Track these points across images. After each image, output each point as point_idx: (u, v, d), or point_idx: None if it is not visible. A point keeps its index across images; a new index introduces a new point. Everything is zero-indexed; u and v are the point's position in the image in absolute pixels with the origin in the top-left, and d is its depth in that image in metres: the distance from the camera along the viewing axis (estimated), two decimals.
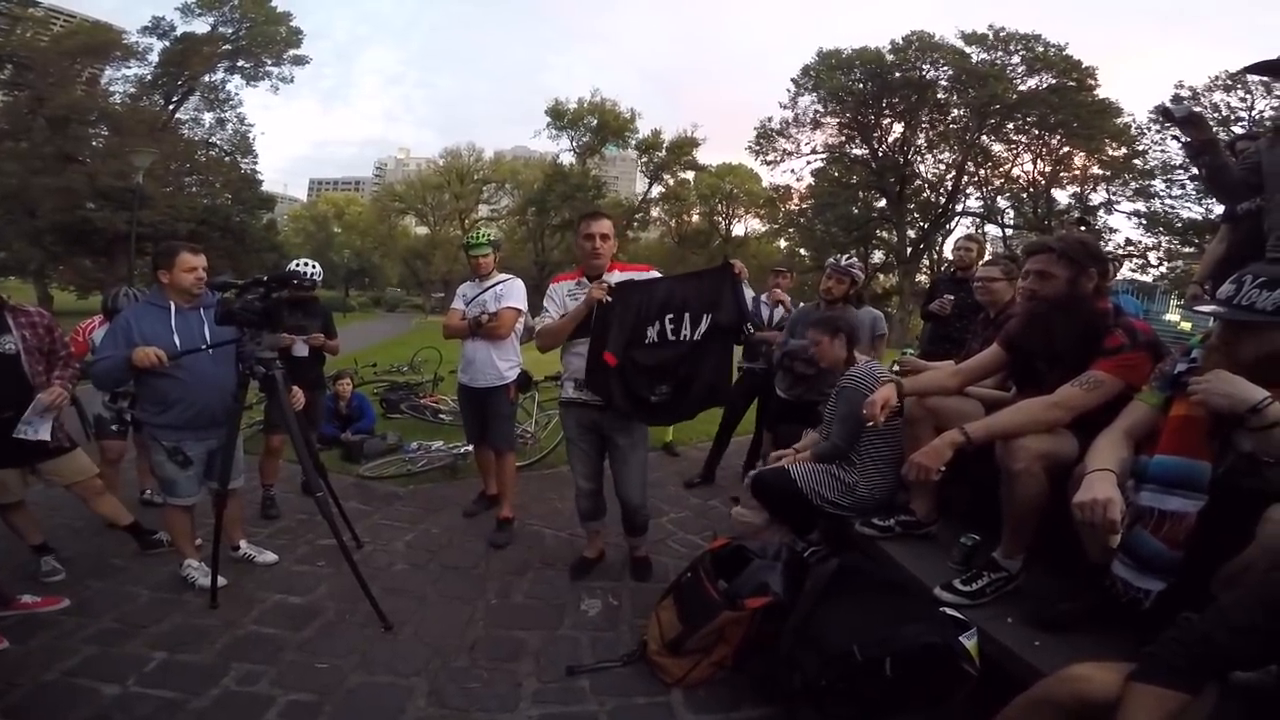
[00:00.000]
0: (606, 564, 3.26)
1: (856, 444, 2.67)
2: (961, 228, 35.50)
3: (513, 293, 3.62)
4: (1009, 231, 34.47)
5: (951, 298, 4.02)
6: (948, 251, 36.23)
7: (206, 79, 31.30)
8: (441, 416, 6.42)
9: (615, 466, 2.94)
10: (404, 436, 5.50)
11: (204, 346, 2.68)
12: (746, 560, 2.34)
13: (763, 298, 4.73)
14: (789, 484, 2.69)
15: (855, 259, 3.99)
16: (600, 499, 3.11)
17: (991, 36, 30.15)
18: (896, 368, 3.27)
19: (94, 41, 28.57)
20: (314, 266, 4.13)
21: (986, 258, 3.98)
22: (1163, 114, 2.35)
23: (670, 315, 2.69)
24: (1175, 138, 22.58)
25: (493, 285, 3.64)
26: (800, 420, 3.44)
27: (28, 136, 24.83)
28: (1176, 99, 2.42)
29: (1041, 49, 29.66)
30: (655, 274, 2.87)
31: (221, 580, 2.76)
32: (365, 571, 2.71)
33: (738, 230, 43.75)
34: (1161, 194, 28.59)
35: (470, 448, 4.22)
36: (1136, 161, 29.25)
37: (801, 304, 4.61)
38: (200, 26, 30.63)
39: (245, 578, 2.96)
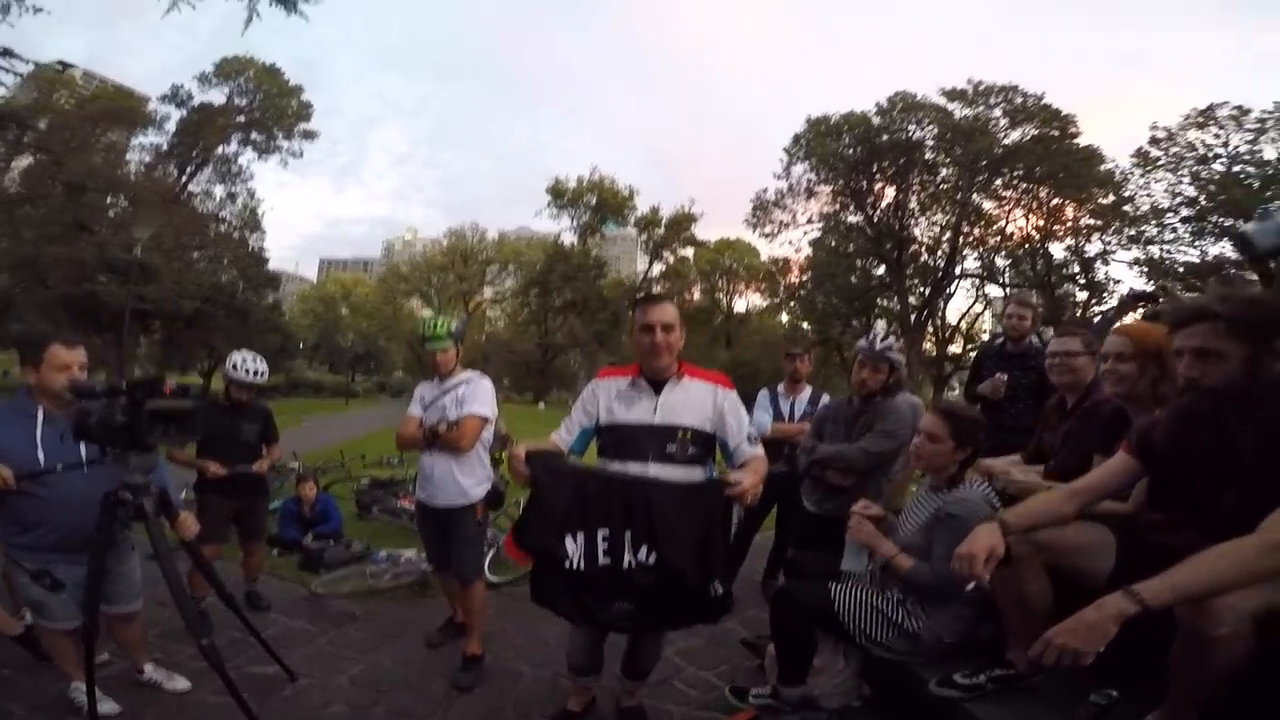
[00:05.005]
0: (596, 716, 2.57)
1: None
2: (963, 291, 35.70)
3: (478, 396, 3.08)
4: (1009, 291, 34.44)
5: (1005, 376, 3.44)
6: (950, 316, 36.38)
7: (220, 150, 31.96)
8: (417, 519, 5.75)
9: None
10: (373, 543, 4.87)
11: (60, 466, 2.19)
12: None
13: (779, 388, 4.14)
14: (825, 608, 2.10)
15: (893, 339, 3.21)
16: (599, 650, 2.43)
17: (971, 91, 31.04)
18: None
19: (116, 107, 29.24)
20: (257, 360, 3.64)
21: (1053, 329, 3.34)
22: (1240, 243, 1.71)
23: (605, 531, 1.88)
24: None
25: (454, 387, 3.12)
26: (831, 542, 2.78)
27: (45, 202, 24.91)
28: (1263, 213, 1.85)
29: (1020, 99, 30.48)
30: (717, 388, 2.20)
31: (115, 707, 2.41)
32: (294, 713, 2.42)
33: (739, 306, 44.25)
34: (1155, 239, 28.50)
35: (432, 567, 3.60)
36: (1126, 208, 29.39)
37: (824, 396, 4.02)
38: (216, 97, 31.67)
39: (148, 706, 2.53)
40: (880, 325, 3.39)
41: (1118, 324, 2.38)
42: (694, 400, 2.16)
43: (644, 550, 1.81)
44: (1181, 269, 27.70)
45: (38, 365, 2.28)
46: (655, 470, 2.04)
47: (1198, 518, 1.54)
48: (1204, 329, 1.56)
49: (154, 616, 2.94)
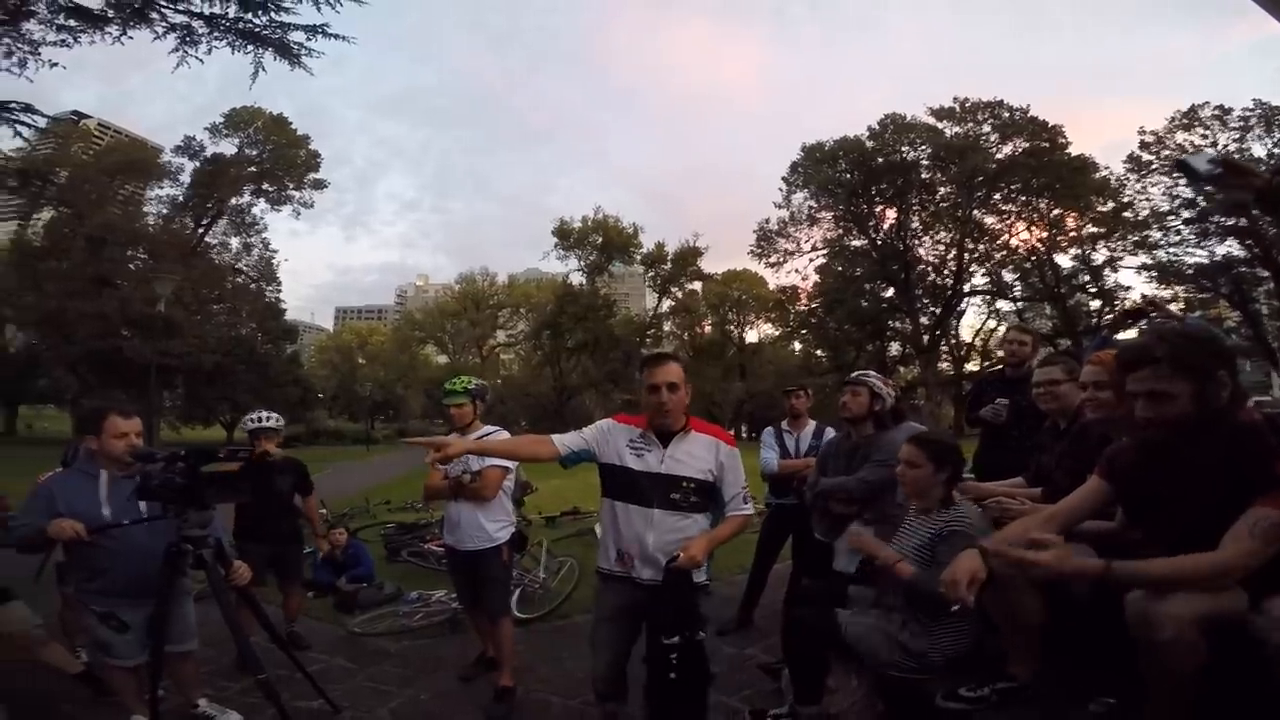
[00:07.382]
0: None
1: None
2: (973, 308, 35.44)
3: None
4: (1021, 305, 34.22)
5: (1006, 401, 3.51)
6: (964, 334, 36.04)
7: (234, 202, 32.46)
8: (445, 562, 5.88)
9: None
10: (404, 585, 5.04)
11: (127, 521, 2.45)
12: None
13: (783, 425, 4.27)
14: (834, 633, 2.22)
15: (872, 370, 3.43)
16: (623, 680, 2.54)
17: (959, 109, 31.52)
18: None
19: (132, 159, 30.00)
20: (275, 417, 4.05)
21: (1042, 354, 3.45)
22: (1183, 170, 1.86)
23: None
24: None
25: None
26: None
27: (68, 256, 25.32)
28: (1197, 149, 2.00)
29: (1007, 114, 30.82)
30: (720, 443, 2.40)
31: None
32: None
33: (751, 337, 44.01)
34: (1161, 243, 28.45)
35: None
36: (1126, 214, 29.30)
37: (828, 430, 4.09)
38: (227, 148, 32.21)
39: None
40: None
41: (1094, 353, 2.48)
42: (698, 453, 2.33)
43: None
44: (1190, 270, 27.49)
45: (98, 434, 2.55)
46: (659, 515, 2.26)
47: (1167, 535, 1.66)
48: (1149, 373, 1.65)
49: (202, 655, 3.09)
